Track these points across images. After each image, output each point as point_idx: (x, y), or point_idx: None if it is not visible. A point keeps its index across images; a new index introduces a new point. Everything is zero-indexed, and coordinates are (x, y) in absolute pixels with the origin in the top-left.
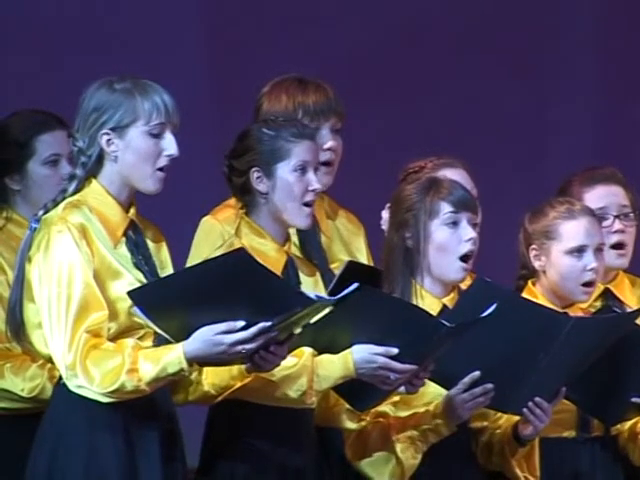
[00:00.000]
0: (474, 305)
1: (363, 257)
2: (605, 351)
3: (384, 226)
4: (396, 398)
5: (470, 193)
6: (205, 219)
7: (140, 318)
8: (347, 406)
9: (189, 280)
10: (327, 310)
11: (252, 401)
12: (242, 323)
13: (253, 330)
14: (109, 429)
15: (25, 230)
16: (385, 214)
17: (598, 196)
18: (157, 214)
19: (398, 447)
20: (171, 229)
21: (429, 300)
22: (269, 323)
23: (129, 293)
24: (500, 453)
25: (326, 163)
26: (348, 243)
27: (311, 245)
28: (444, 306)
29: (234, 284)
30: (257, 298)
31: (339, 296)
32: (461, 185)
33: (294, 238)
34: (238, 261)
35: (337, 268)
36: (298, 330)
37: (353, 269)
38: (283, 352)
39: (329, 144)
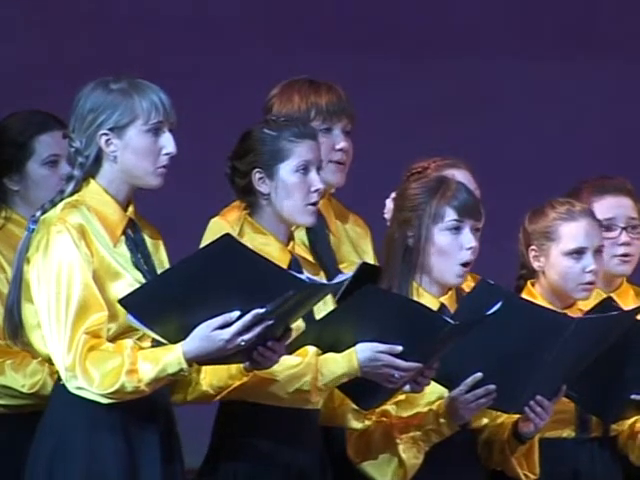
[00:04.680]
0: (477, 307)
1: (370, 259)
2: (605, 348)
3: (387, 215)
4: (401, 397)
5: (476, 198)
6: (214, 220)
7: (136, 326)
8: (352, 405)
9: (179, 276)
10: (322, 295)
11: (256, 401)
12: (237, 313)
13: (248, 317)
14: (109, 430)
15: (24, 230)
16: (389, 203)
17: (607, 206)
18: (160, 215)
19: (400, 447)
20: (176, 230)
21: (427, 299)
22: (263, 309)
23: (120, 301)
24: (500, 451)
25: (337, 163)
26: (356, 245)
27: (321, 246)
28: (442, 305)
29: (224, 273)
30: (249, 285)
31: (335, 282)
32: (467, 189)
33: (304, 239)
34: (224, 247)
35: (346, 268)
36: (294, 323)
37: (366, 270)
38: (281, 348)
39: (341, 145)
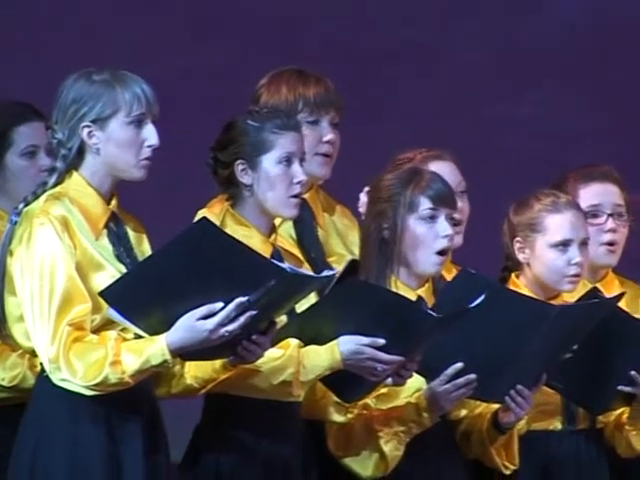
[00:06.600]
0: (459, 296)
1: (358, 251)
2: (588, 337)
3: (362, 209)
4: (383, 390)
5: (450, 188)
6: (200, 212)
7: (118, 321)
8: (334, 399)
9: (159, 264)
10: (309, 288)
11: (239, 394)
12: (221, 304)
13: (232, 306)
14: (92, 421)
15: (3, 222)
16: (363, 197)
17: (593, 193)
18: (148, 207)
19: (381, 439)
20: (164, 222)
21: (404, 291)
22: (246, 298)
23: (101, 294)
24: (479, 441)
25: (324, 155)
26: (344, 237)
27: (309, 239)
28: (419, 297)
29: (203, 258)
30: (230, 273)
31: (320, 275)
32: (441, 179)
33: (291, 232)
34: (202, 231)
35: (335, 262)
36: (280, 317)
37: (355, 268)
38: (266, 342)
39: (329, 137)
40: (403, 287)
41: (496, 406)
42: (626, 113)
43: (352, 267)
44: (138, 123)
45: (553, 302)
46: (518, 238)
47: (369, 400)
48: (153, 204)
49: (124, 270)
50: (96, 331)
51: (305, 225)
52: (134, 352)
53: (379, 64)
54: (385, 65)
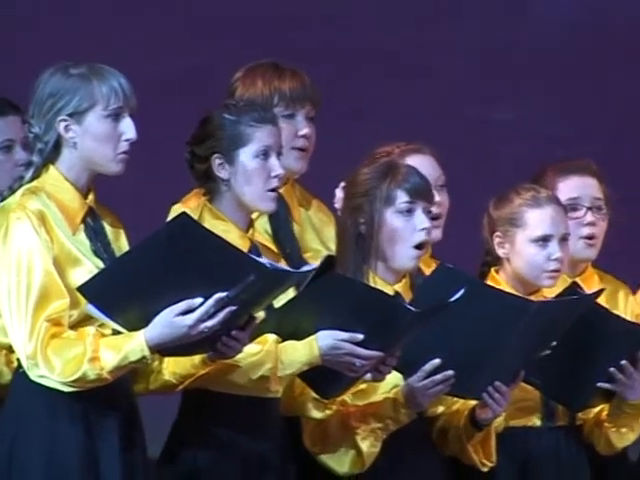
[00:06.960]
0: (437, 291)
1: (334, 247)
2: (567, 334)
3: (337, 204)
4: (362, 386)
5: (427, 181)
6: (175, 207)
7: (96, 317)
8: (313, 395)
9: (138, 259)
10: (287, 284)
11: (216, 390)
12: (200, 300)
13: (211, 302)
14: (69, 417)
15: None
16: (339, 193)
17: (572, 186)
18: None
19: (358, 436)
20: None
21: (381, 286)
22: (225, 294)
23: (79, 289)
24: (456, 438)
25: (300, 149)
26: (320, 232)
27: (284, 234)
28: (396, 293)
29: (183, 254)
30: (209, 269)
31: (300, 270)
32: (418, 172)
33: (267, 227)
34: (181, 227)
35: (311, 258)
36: (258, 312)
37: (331, 263)
38: (245, 337)
39: (304, 131)
40: (380, 282)
41: (474, 403)
42: (626, 113)
43: (328, 263)
44: (115, 117)
45: (532, 298)
46: (498, 233)
47: (346, 396)
48: (132, 199)
49: (102, 265)
50: (74, 327)
51: (280, 220)
52: (112, 348)
53: (379, 64)
54: (385, 65)
